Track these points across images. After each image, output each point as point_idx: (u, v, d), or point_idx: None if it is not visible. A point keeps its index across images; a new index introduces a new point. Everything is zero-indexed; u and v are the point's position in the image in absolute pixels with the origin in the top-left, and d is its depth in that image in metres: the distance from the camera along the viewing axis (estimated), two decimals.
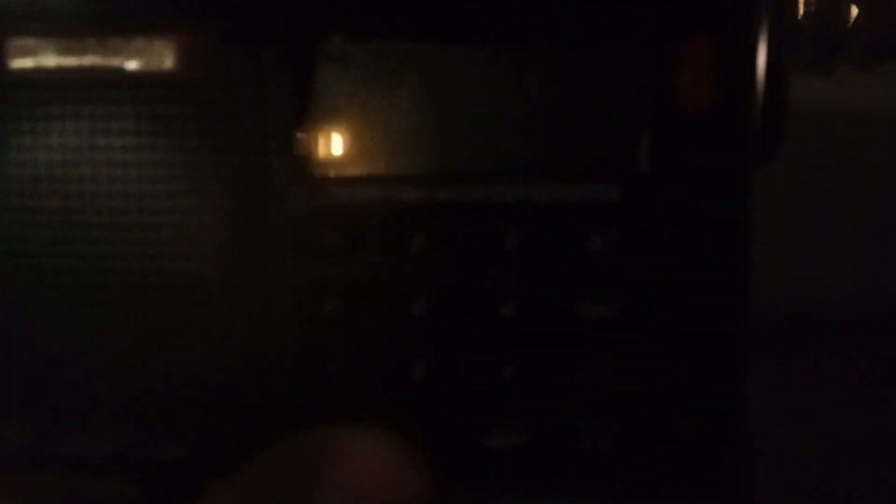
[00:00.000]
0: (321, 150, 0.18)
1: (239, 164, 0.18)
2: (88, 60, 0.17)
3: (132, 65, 0.17)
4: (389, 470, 0.17)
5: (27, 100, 0.18)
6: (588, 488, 0.17)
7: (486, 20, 0.16)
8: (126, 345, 0.18)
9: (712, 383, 0.17)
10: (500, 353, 0.17)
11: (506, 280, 0.17)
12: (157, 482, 0.18)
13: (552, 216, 0.17)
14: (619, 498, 0.17)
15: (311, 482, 0.16)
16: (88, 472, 0.18)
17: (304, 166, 0.18)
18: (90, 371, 0.18)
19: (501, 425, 0.17)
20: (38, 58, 0.17)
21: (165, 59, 0.17)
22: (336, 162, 0.18)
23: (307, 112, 0.18)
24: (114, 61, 0.17)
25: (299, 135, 0.18)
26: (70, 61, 0.17)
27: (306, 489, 0.16)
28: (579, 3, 0.16)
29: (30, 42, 0.17)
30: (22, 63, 0.17)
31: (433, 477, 0.17)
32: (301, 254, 0.18)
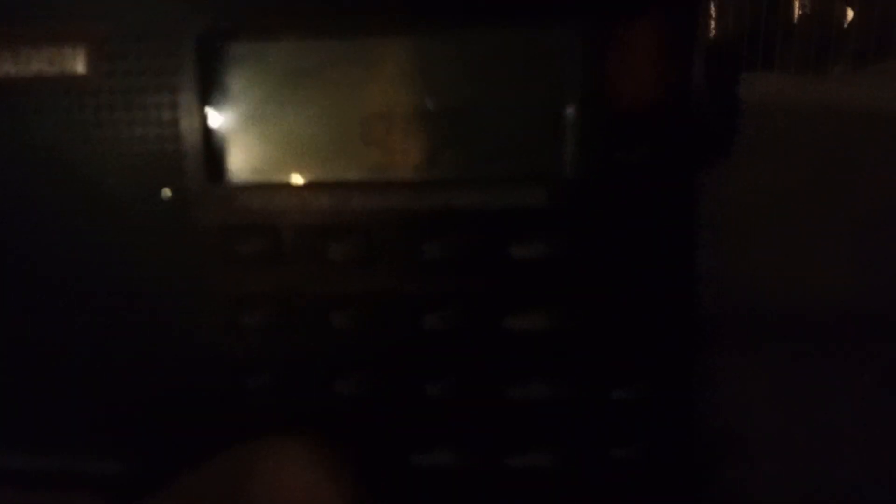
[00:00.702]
0: (235, 157, 0.19)
1: (154, 170, 0.18)
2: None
3: (46, 69, 0.18)
4: (314, 486, 0.17)
5: None
6: None
7: (402, 16, 0.16)
8: (64, 364, 0.19)
9: (655, 399, 0.16)
10: (424, 367, 0.17)
11: (428, 290, 0.17)
12: (97, 497, 0.19)
13: (475, 223, 0.16)
14: None
15: (238, 497, 0.17)
16: (31, 488, 0.19)
17: (219, 174, 0.19)
18: (31, 390, 0.19)
19: (428, 443, 0.18)
20: None
21: (74, 63, 0.18)
22: (251, 168, 0.19)
23: (221, 118, 0.18)
24: (29, 68, 0.17)
25: (212, 141, 0.18)
26: None
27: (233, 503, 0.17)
28: None
29: None
30: None
31: (358, 494, 0.17)
32: (218, 263, 0.19)
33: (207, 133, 0.18)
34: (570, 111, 0.15)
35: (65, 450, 0.19)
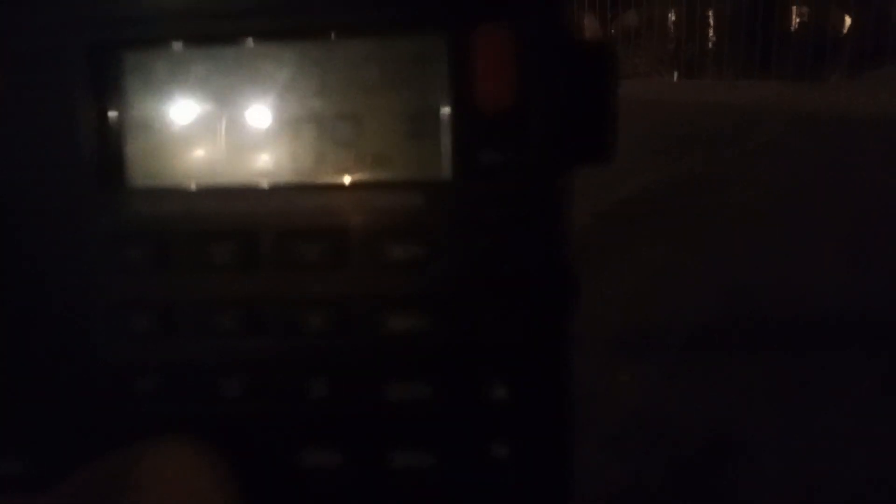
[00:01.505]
0: (128, 161, 0.18)
1: (48, 175, 0.17)
2: None
3: None
4: (201, 487, 0.16)
5: None
6: None
7: (284, 24, 0.16)
8: None
9: (528, 401, 0.15)
10: (309, 370, 0.16)
11: (307, 292, 0.16)
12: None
13: (356, 226, 0.15)
14: None
15: (123, 497, 0.16)
16: None
17: (111, 177, 0.17)
18: None
19: (313, 444, 0.16)
20: None
21: None
22: (143, 172, 0.18)
23: (114, 121, 0.17)
24: None
25: (106, 144, 0.17)
26: None
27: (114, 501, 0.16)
28: (371, 2, 0.15)
29: None
30: None
31: (243, 495, 0.16)
32: (110, 268, 0.17)
33: (102, 140, 0.17)
34: (441, 115, 0.15)
35: None
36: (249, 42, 0.16)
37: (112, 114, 0.17)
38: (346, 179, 0.15)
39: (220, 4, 0.16)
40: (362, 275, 0.15)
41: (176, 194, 0.17)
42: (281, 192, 0.16)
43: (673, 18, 7.31)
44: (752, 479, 1.61)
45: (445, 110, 0.14)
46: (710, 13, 6.87)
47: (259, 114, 0.16)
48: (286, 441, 0.16)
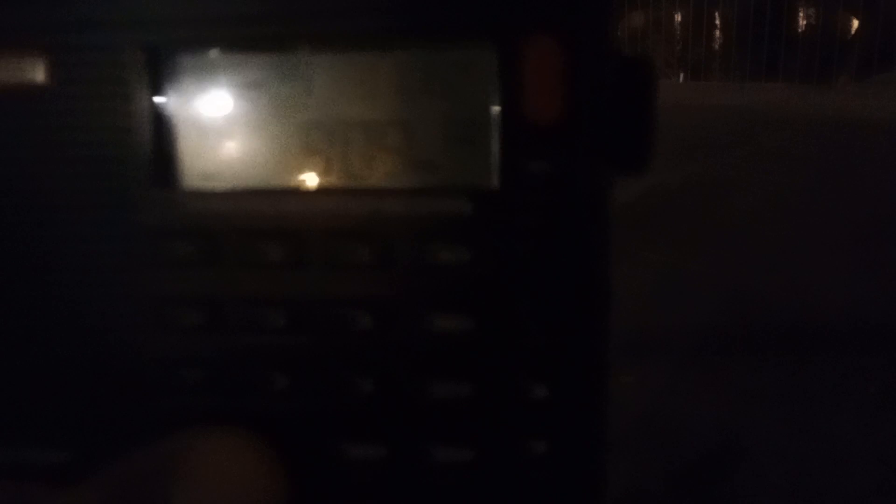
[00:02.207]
0: (180, 161, 0.18)
1: (101, 172, 0.18)
2: None
3: (7, 77, 0.17)
4: (247, 478, 0.17)
5: None
6: (444, 500, 0.17)
7: (338, 34, 0.16)
8: (12, 357, 0.19)
9: (567, 399, 0.16)
10: (355, 367, 0.17)
11: (361, 293, 0.16)
12: (38, 487, 0.18)
13: (403, 229, 0.16)
14: None
15: (173, 487, 0.17)
16: None
17: (165, 176, 0.18)
18: None
19: (359, 438, 0.17)
20: None
21: (35, 72, 0.17)
22: (195, 173, 0.18)
23: (168, 120, 0.18)
24: None
25: (160, 143, 0.18)
26: None
27: (168, 494, 0.17)
28: (422, 11, 0.15)
29: None
30: None
31: (291, 486, 0.17)
32: (160, 264, 0.18)
33: (156, 139, 0.18)
34: (491, 124, 0.15)
35: (11, 440, 0.19)
36: (302, 48, 0.16)
37: (166, 113, 0.18)
38: (395, 184, 0.16)
39: (275, 10, 0.16)
40: (409, 276, 0.16)
41: (228, 194, 0.18)
42: (330, 195, 0.16)
43: (679, 20, 7.30)
44: (757, 485, 1.62)
45: (495, 119, 0.15)
46: (717, 15, 6.86)
47: (310, 118, 0.17)
48: (331, 434, 0.17)
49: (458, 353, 0.16)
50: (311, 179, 0.17)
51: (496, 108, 0.15)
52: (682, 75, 7.15)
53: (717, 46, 7.19)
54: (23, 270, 0.18)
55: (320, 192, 0.17)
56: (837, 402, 1.78)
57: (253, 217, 0.17)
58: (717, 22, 7.08)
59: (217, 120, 0.18)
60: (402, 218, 0.16)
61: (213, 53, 0.17)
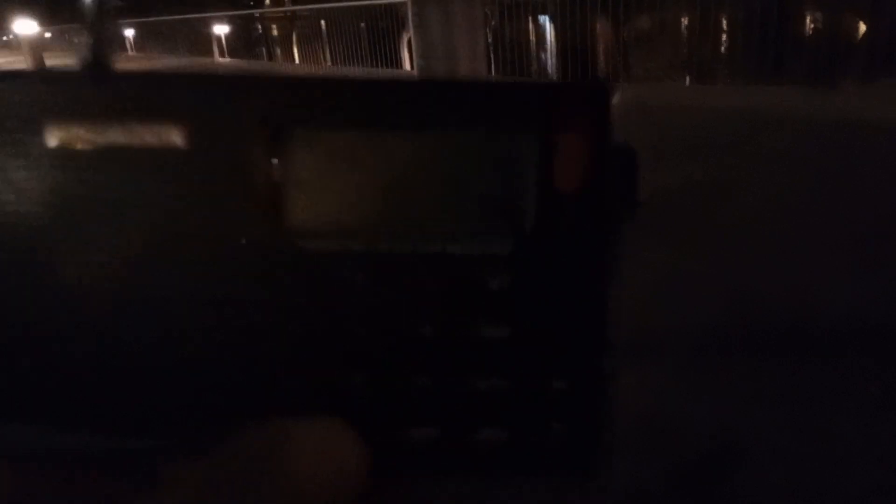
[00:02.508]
0: (290, 212, 0.22)
1: (218, 226, 0.21)
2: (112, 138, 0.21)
3: (150, 139, 0.21)
4: (334, 463, 0.20)
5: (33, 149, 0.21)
6: (483, 470, 0.22)
7: (407, 114, 0.21)
8: (102, 347, 0.21)
9: (579, 391, 0.22)
10: (417, 366, 0.21)
11: (427, 310, 0.21)
12: (126, 473, 0.20)
13: (463, 264, 0.21)
14: (507, 477, 0.22)
15: (261, 471, 0.19)
16: (67, 467, 0.20)
17: (278, 225, 0.21)
18: (67, 372, 0.21)
19: (418, 424, 0.21)
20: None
21: (173, 137, 0.21)
22: (302, 221, 0.21)
23: (280, 187, 0.21)
24: (138, 140, 0.21)
25: (273, 198, 0.21)
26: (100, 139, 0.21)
27: (256, 477, 0.19)
28: (480, 104, 0.21)
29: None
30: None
31: (369, 465, 0.20)
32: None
33: (267, 204, 0.22)
34: (528, 192, 0.21)
35: (103, 428, 0.21)
36: (384, 132, 0.21)
37: (279, 182, 0.21)
38: (455, 232, 0.21)
39: (373, 101, 0.21)
40: (466, 297, 0.21)
41: (327, 237, 0.22)
42: (405, 240, 0.21)
43: (686, 23, 7.30)
44: (758, 486, 1.63)
45: (530, 189, 0.20)
46: (724, 18, 6.85)
47: (387, 185, 0.21)
48: (399, 421, 0.21)
49: (498, 356, 0.21)
50: (390, 228, 0.22)
51: (532, 182, 0.20)
52: (687, 78, 7.15)
53: (723, 49, 7.19)
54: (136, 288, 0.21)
55: (398, 237, 0.21)
56: (837, 402, 1.78)
57: (347, 254, 0.21)
58: (724, 25, 7.07)
59: (320, 189, 0.21)
60: (461, 256, 0.21)
61: (320, 132, 0.21)
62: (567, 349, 0.21)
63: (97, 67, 0.21)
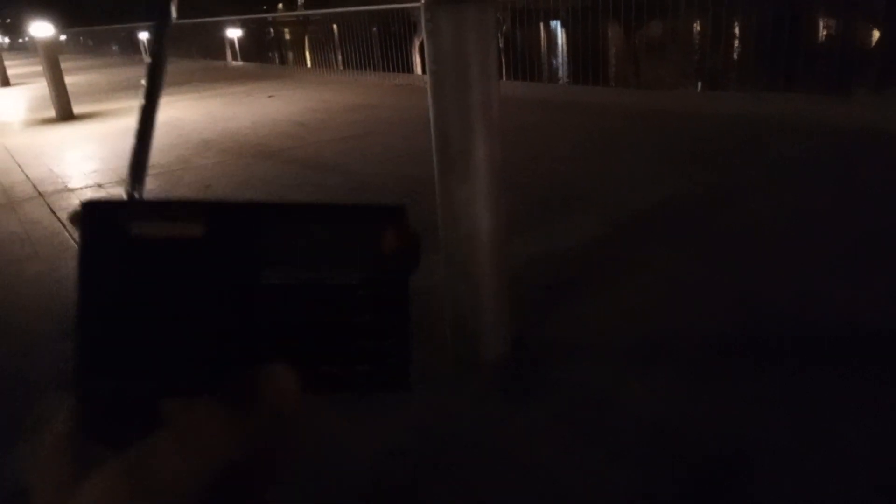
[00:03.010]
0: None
1: None
2: None
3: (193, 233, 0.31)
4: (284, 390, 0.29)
5: None
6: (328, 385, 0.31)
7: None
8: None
9: (385, 328, 0.32)
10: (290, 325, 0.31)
11: (318, 307, 0.31)
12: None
13: (338, 285, 0.31)
14: (339, 390, 0.31)
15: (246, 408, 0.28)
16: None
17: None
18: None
19: (310, 361, 0.31)
20: None
21: (192, 229, 0.30)
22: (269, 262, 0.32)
23: None
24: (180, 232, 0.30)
25: None
26: None
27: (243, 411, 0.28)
28: (347, 215, 0.31)
29: None
30: None
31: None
32: None
33: None
34: (368, 250, 0.32)
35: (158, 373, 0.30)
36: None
37: None
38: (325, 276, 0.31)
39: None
40: (336, 299, 0.31)
41: None
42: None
43: (698, 29, 7.29)
44: (766, 493, 1.63)
45: (369, 253, 0.31)
46: (736, 24, 6.83)
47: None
48: (304, 362, 0.30)
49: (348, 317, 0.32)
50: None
51: (371, 247, 0.31)
52: (699, 85, 7.14)
53: (735, 56, 7.17)
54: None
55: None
56: (847, 409, 1.77)
57: None
58: (737, 31, 7.06)
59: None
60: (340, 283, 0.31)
61: None
62: (383, 320, 0.32)
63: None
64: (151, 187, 4.80)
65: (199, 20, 14.45)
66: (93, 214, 0.29)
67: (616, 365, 2.18)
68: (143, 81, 0.38)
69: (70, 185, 4.81)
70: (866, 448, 1.67)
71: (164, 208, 0.29)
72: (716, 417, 1.86)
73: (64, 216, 4.10)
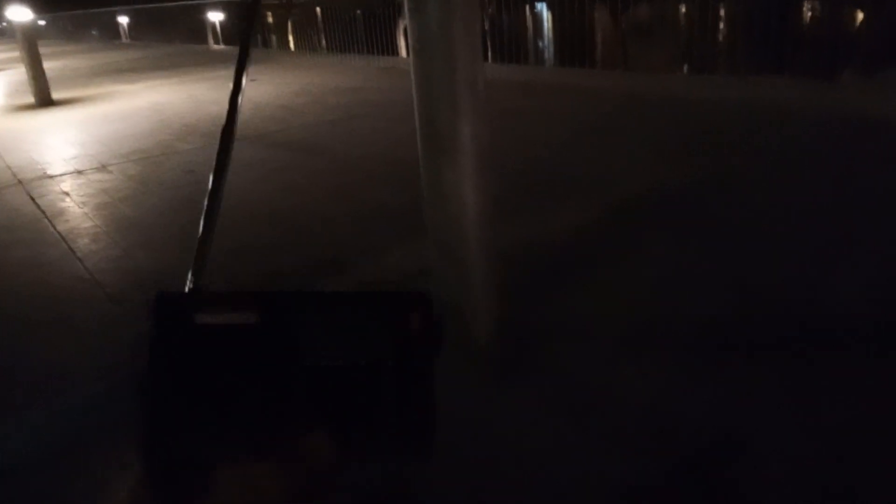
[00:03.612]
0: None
1: None
2: None
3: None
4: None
5: None
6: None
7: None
8: None
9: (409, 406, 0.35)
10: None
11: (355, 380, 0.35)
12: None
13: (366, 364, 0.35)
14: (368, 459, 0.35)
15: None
16: None
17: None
18: None
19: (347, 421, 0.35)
20: None
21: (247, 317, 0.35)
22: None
23: None
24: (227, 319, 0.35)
25: None
26: None
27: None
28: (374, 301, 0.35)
29: None
30: None
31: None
32: None
33: None
34: (395, 333, 0.35)
35: None
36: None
37: None
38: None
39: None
40: (367, 376, 0.34)
41: None
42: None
43: (686, 12, 7.26)
44: (758, 479, 1.61)
45: (396, 335, 0.35)
46: (722, 8, 6.82)
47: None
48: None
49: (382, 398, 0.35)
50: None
51: (397, 330, 0.35)
52: (686, 69, 7.13)
53: (722, 40, 7.16)
54: None
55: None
56: (840, 395, 1.78)
57: None
58: (723, 15, 7.04)
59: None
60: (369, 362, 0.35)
61: None
62: (405, 391, 0.35)
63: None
64: (133, 173, 4.77)
65: (181, 3, 14.25)
66: (163, 303, 0.34)
67: (607, 349, 2.17)
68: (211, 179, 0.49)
69: (49, 172, 4.74)
70: (857, 426, 1.67)
71: (222, 299, 0.34)
72: (708, 402, 1.86)
73: (43, 203, 4.10)
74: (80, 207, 3.89)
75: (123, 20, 18.13)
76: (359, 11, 9.57)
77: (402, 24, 8.81)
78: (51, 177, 4.58)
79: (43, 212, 3.81)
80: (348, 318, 0.34)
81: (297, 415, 0.33)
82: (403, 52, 9.13)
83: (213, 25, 13.70)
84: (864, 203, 3.11)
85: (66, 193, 4.17)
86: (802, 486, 1.55)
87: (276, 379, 0.33)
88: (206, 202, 0.44)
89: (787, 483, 1.56)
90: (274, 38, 13.13)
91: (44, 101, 7.58)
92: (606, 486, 1.61)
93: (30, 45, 7.47)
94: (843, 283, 2.42)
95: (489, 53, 7.69)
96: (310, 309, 0.34)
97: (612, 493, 1.59)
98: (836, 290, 2.38)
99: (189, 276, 0.44)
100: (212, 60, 11.00)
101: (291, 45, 12.36)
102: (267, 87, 7.69)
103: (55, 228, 3.56)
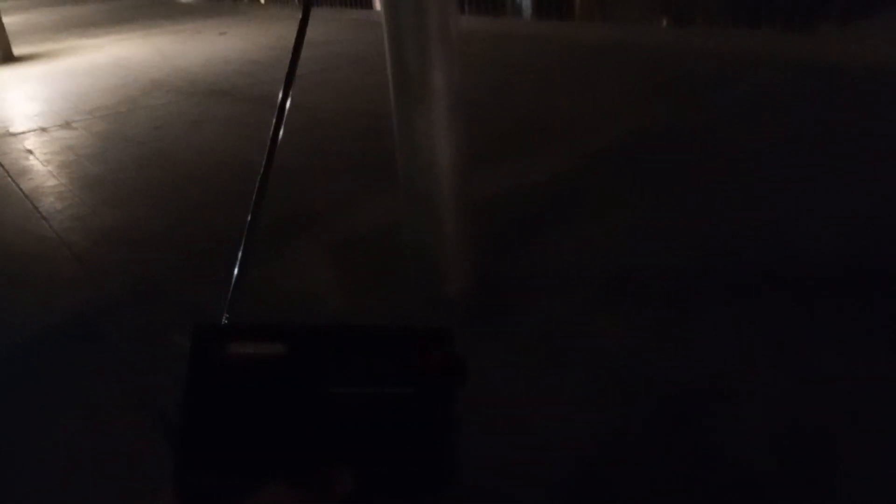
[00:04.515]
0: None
1: None
2: None
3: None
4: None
5: None
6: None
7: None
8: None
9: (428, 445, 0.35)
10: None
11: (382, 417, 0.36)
12: None
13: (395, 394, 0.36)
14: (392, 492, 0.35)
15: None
16: None
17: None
18: None
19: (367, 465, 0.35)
20: None
21: (273, 348, 0.37)
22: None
23: None
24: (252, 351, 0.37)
25: None
26: None
27: None
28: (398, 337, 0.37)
29: None
30: None
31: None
32: None
33: None
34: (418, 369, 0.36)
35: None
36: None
37: None
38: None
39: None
40: (393, 409, 0.35)
41: None
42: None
43: None
44: (734, 428, 1.62)
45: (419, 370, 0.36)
46: None
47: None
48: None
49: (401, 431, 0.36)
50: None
51: (419, 365, 0.36)
52: (665, 21, 7.04)
53: None
54: None
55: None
56: (816, 344, 1.79)
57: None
58: None
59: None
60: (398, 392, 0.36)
61: None
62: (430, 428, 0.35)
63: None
64: (98, 129, 4.64)
65: None
66: (201, 335, 0.36)
67: (583, 299, 2.18)
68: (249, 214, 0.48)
69: (12, 130, 4.59)
70: (836, 382, 1.69)
71: (256, 331, 0.36)
72: (686, 354, 1.87)
73: (6, 161, 3.97)
74: (44, 165, 3.78)
75: None
76: None
77: None
78: (13, 134, 4.43)
79: (6, 170, 3.69)
80: (376, 350, 0.36)
81: (321, 445, 0.34)
82: (377, 6, 8.89)
83: None
84: (839, 148, 3.11)
85: (30, 151, 4.04)
86: (775, 426, 1.57)
87: (306, 407, 0.34)
88: (242, 241, 0.44)
89: (761, 422, 1.58)
90: None
91: (5, 56, 7.28)
92: (585, 434, 1.61)
93: None
94: (820, 230, 2.43)
95: (465, 4, 7.53)
96: (338, 341, 0.36)
97: (591, 441, 1.60)
98: (813, 237, 2.39)
99: (224, 310, 0.47)
100: (178, 13, 10.63)
101: None
102: (235, 41, 7.48)
103: (19, 187, 3.46)
